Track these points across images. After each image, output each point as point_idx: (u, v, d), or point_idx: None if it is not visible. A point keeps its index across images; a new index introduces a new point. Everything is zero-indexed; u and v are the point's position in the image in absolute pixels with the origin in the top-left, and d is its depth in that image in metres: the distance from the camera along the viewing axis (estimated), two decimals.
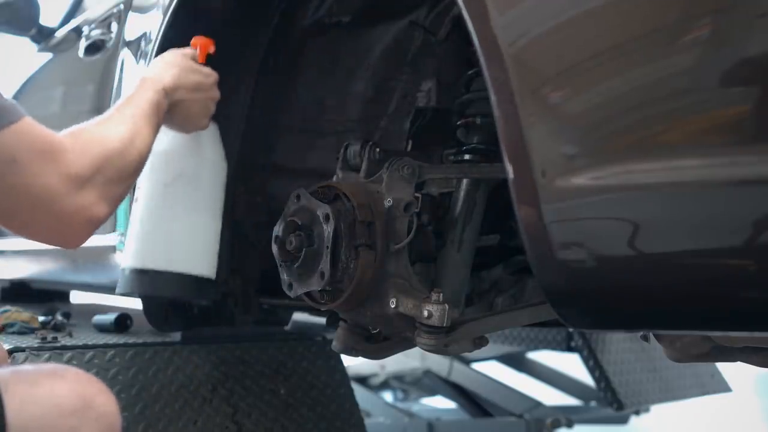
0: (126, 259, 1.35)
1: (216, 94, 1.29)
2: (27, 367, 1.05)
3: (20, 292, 2.64)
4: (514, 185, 0.83)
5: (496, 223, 1.24)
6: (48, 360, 1.40)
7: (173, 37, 1.46)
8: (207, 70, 1.28)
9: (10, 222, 0.99)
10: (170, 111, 1.21)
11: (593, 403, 3.05)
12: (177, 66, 1.23)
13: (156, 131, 1.16)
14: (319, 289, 1.07)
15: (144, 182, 1.36)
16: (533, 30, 0.83)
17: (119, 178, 1.05)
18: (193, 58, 1.28)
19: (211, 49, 1.35)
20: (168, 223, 1.34)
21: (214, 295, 1.43)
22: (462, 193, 1.16)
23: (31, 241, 2.21)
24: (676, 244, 0.75)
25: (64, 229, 1.00)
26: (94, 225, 1.03)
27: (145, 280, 1.33)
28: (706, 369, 3.01)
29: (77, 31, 2.18)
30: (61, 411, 0.85)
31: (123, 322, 1.73)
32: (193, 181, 1.36)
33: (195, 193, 1.36)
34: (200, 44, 1.33)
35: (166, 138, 1.35)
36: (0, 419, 0.80)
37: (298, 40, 1.56)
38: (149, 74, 1.21)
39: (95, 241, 1.85)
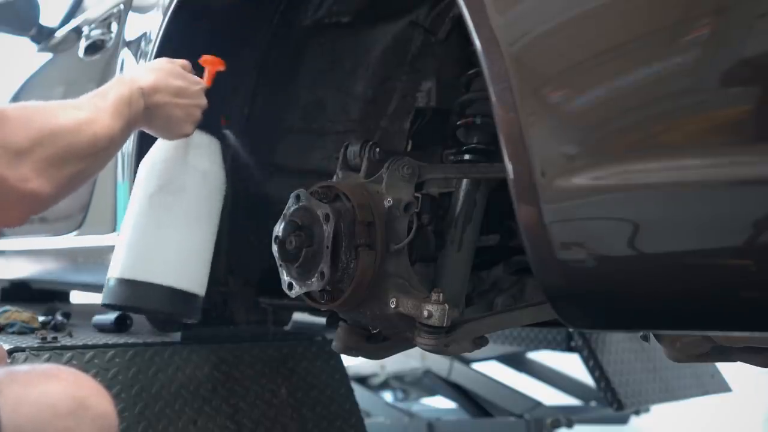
0: (112, 270, 1.31)
1: (202, 101, 1.24)
2: (22, 367, 1.03)
3: (20, 292, 2.64)
4: (514, 185, 0.83)
5: (496, 223, 1.24)
6: (48, 360, 1.40)
7: (173, 36, 1.46)
8: (193, 77, 1.24)
9: None
10: (150, 114, 1.16)
11: (593, 403, 3.05)
12: (159, 70, 1.19)
13: (125, 127, 1.09)
14: (319, 289, 1.07)
15: (133, 193, 1.34)
16: (533, 30, 0.83)
17: (64, 157, 0.97)
18: (183, 67, 1.24)
19: (221, 68, 1.32)
20: (155, 233, 1.30)
21: (199, 313, 1.38)
22: (462, 193, 1.16)
23: (31, 242, 2.22)
24: (676, 244, 0.75)
25: None
26: (31, 202, 0.94)
27: (130, 291, 1.29)
28: (706, 369, 3.01)
29: (77, 31, 2.18)
30: (56, 412, 0.83)
31: (123, 322, 1.73)
32: (181, 192, 1.31)
33: (184, 204, 1.32)
34: (209, 63, 1.30)
35: (157, 149, 1.33)
36: None
37: (298, 40, 1.56)
38: (128, 74, 1.18)
39: (95, 241, 1.86)
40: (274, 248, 1.12)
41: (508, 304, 1.36)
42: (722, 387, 3.04)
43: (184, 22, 1.45)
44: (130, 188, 1.45)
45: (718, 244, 0.72)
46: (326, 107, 1.56)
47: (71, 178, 1.00)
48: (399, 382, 3.52)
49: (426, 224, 1.14)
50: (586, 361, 2.72)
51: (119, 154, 1.66)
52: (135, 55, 1.71)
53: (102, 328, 1.74)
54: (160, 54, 1.47)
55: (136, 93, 1.12)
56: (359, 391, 2.46)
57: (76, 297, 2.83)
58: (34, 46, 2.47)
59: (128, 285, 1.29)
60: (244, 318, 1.76)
